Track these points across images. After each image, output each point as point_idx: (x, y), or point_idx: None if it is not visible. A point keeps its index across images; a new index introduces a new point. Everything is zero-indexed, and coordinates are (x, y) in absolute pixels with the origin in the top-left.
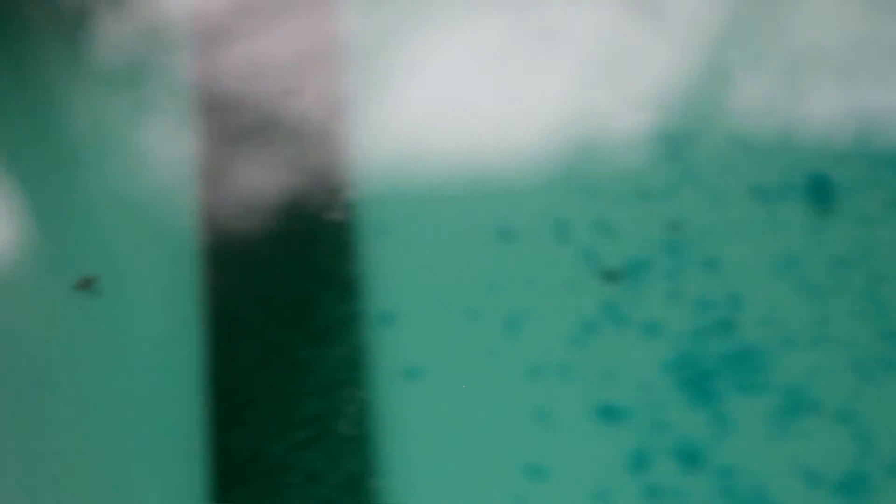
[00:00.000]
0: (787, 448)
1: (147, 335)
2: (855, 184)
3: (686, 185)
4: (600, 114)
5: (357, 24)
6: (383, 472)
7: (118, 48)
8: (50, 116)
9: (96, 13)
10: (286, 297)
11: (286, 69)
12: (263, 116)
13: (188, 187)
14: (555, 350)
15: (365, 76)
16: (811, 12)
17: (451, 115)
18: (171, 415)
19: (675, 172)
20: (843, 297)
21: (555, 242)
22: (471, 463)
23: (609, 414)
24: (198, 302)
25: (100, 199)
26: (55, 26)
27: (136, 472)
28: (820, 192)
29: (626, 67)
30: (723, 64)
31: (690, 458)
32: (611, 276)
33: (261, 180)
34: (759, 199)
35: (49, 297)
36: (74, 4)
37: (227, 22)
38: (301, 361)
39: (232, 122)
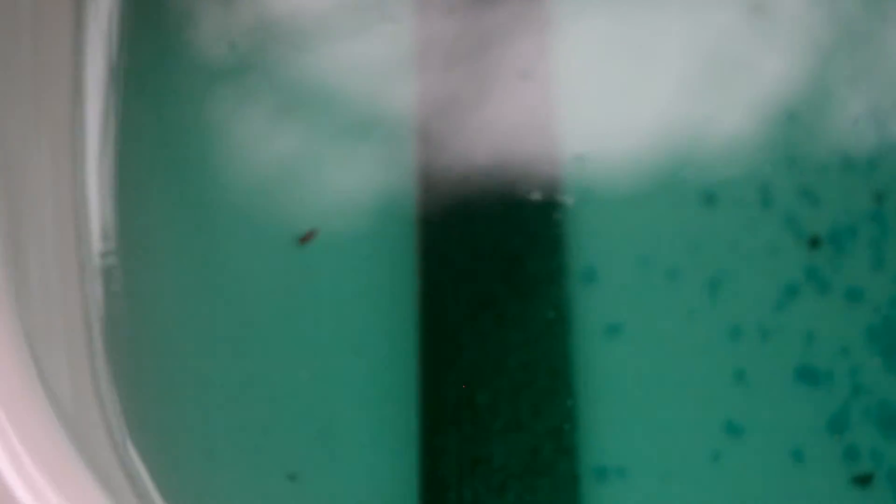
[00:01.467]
0: None
1: (363, 284)
2: None
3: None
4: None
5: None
6: (583, 425)
7: None
8: None
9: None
10: (496, 252)
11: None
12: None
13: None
14: (756, 312)
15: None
16: None
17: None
18: (383, 360)
19: (881, 145)
20: None
21: (759, 208)
22: (669, 419)
23: (809, 376)
24: (413, 255)
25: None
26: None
27: (346, 415)
28: None
29: None
30: None
31: (891, 422)
32: (814, 242)
33: (474, 140)
34: None
35: (267, 251)
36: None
37: None
38: (508, 314)
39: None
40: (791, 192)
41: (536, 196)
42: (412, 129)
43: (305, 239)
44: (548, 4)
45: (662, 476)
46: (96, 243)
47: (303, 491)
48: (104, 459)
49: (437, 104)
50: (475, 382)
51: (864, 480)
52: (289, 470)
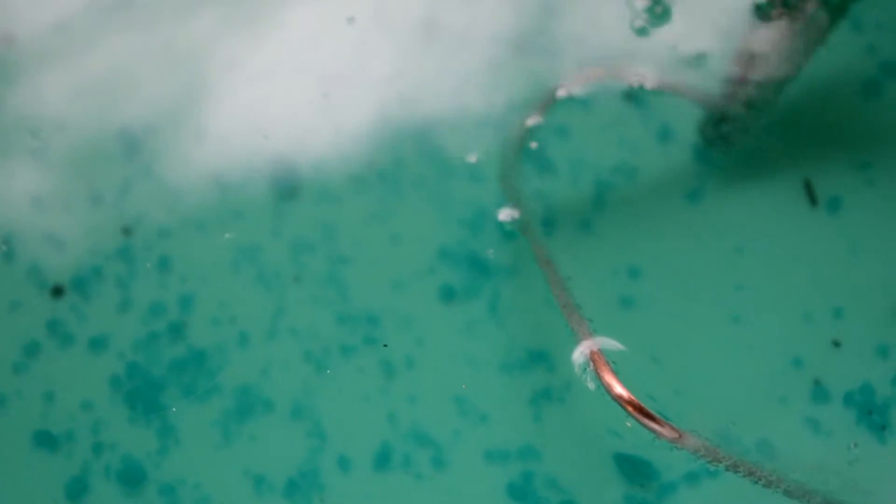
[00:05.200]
0: (237, 454)
1: None
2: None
3: (140, 182)
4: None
5: None
6: None
7: None
8: None
9: None
10: None
11: None
12: None
13: None
14: None
15: None
16: None
17: None
18: None
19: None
20: (302, 284)
21: (3, 261)
22: None
23: (47, 440)
24: None
25: None
26: None
27: None
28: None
29: None
30: None
31: (133, 477)
32: (58, 290)
33: None
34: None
35: None
36: None
37: None
38: None
39: None
40: (37, 239)
41: None
42: None
43: None
44: None
45: None
46: None
47: None
48: None
49: None
50: None
51: None
52: None
